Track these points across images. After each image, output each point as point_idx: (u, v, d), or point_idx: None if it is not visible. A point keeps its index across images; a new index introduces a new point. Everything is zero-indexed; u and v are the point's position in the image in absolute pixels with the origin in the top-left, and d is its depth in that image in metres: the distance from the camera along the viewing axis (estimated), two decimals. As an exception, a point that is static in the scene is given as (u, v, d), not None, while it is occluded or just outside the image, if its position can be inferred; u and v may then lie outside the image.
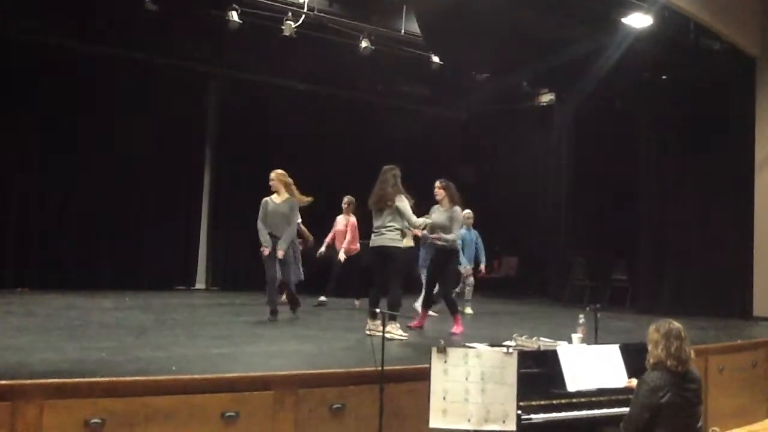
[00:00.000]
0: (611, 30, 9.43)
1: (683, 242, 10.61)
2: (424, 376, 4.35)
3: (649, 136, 11.35)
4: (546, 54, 10.17)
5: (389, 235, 6.74)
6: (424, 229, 7.33)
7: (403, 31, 11.05)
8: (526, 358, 4.44)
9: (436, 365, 4.24)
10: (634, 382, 4.28)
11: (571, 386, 4.52)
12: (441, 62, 11.64)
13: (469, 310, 9.48)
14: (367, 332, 6.58)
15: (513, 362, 4.17)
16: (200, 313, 8.13)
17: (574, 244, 12.36)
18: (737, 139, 10.10)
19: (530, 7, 9.22)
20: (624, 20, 9.18)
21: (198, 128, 12.07)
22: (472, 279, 9.61)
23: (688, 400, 3.94)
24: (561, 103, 13.38)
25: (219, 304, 9.31)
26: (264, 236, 7.52)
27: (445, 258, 7.36)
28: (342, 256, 9.51)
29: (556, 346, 4.86)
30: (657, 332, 4.03)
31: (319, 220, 9.97)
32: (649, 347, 4.04)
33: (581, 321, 5.28)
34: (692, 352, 4.03)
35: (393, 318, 6.55)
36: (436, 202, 7.39)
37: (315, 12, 10.30)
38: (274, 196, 7.68)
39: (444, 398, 4.19)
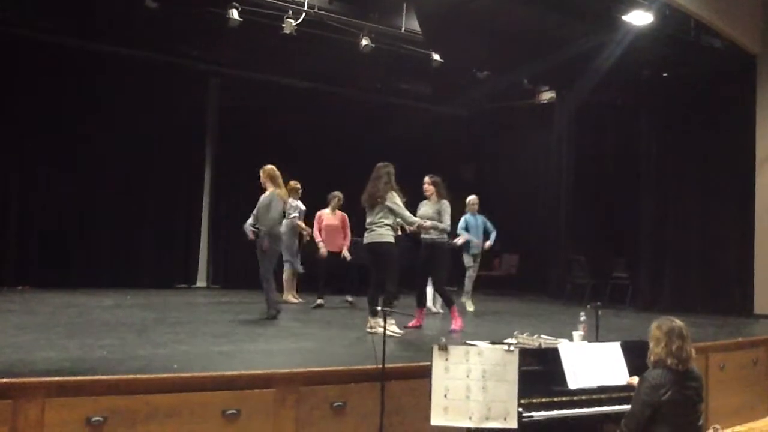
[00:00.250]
0: (612, 27, 9.43)
1: (684, 240, 10.62)
2: (426, 373, 4.36)
3: (649, 134, 11.35)
4: (547, 52, 10.15)
5: (379, 231, 6.76)
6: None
7: (403, 28, 11.03)
8: (527, 355, 4.44)
9: (438, 363, 4.24)
10: (635, 379, 4.29)
11: (573, 384, 4.52)
12: (441, 60, 11.61)
13: (470, 307, 9.45)
14: (369, 330, 6.60)
15: (514, 360, 4.17)
16: (201, 311, 8.14)
17: (575, 242, 12.35)
18: (738, 136, 10.10)
19: (531, 4, 9.21)
20: (624, 18, 9.17)
21: (198, 126, 12.06)
22: (471, 270, 9.55)
23: (689, 398, 3.94)
24: (562, 101, 13.37)
25: (220, 303, 9.32)
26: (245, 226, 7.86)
27: (433, 251, 7.33)
28: (347, 254, 9.48)
29: (557, 343, 4.86)
30: (659, 330, 4.03)
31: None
32: (651, 345, 4.05)
33: (582, 319, 5.28)
34: (693, 351, 4.03)
35: (375, 313, 6.62)
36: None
37: (315, 10, 10.28)
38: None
39: (445, 396, 4.19)
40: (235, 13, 9.91)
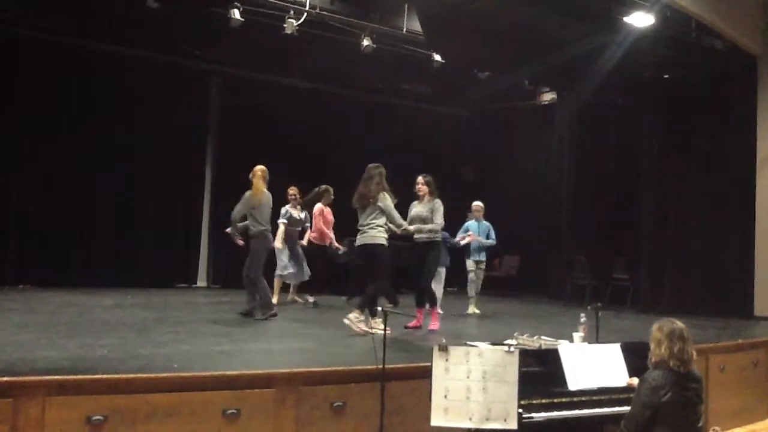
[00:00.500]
0: (613, 29, 9.42)
1: (684, 241, 10.62)
2: (426, 374, 4.36)
3: (650, 135, 11.35)
4: (548, 53, 10.15)
5: (371, 233, 6.76)
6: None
7: (404, 29, 11.04)
8: (527, 356, 4.44)
9: (438, 363, 4.25)
10: (635, 380, 4.28)
11: (573, 385, 4.52)
12: (443, 61, 11.63)
13: (472, 310, 9.44)
14: (370, 330, 6.60)
15: (514, 361, 4.17)
16: (201, 311, 8.14)
17: (575, 243, 12.35)
18: (739, 138, 10.10)
19: (532, 5, 9.21)
20: (626, 19, 9.18)
21: (199, 126, 12.06)
22: (472, 274, 9.52)
23: (689, 399, 3.94)
24: (562, 102, 13.37)
25: (220, 302, 9.32)
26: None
27: (426, 251, 7.27)
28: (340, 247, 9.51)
29: (557, 344, 4.86)
30: (660, 332, 4.03)
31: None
32: (652, 346, 4.05)
33: (582, 320, 5.29)
34: (694, 353, 4.03)
35: (375, 313, 6.66)
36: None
37: (317, 10, 10.30)
38: None
39: (445, 396, 4.20)
40: (236, 13, 9.93)
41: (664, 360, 3.94)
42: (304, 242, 9.56)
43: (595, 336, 5.35)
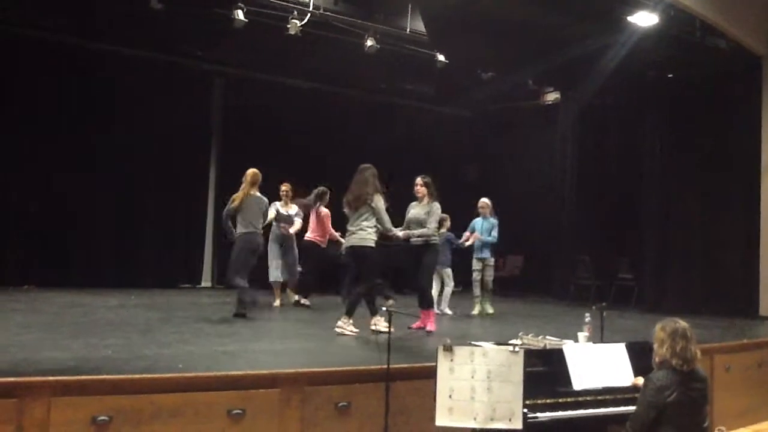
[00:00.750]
0: (617, 28, 9.41)
1: (688, 241, 10.60)
2: (430, 374, 4.35)
3: (653, 135, 11.33)
4: (551, 52, 10.15)
5: (360, 235, 6.72)
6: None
7: (408, 29, 11.04)
8: (532, 356, 4.41)
9: (442, 363, 4.24)
10: (640, 380, 4.28)
11: (577, 385, 4.50)
12: (446, 61, 11.63)
13: (477, 310, 9.42)
14: (372, 328, 6.62)
15: (519, 361, 4.16)
16: (206, 311, 8.15)
17: (579, 243, 12.34)
18: (743, 137, 10.08)
19: (536, 5, 9.20)
20: (630, 19, 9.16)
21: (203, 127, 12.08)
22: (476, 274, 9.49)
23: (694, 399, 3.93)
24: (566, 101, 13.36)
25: (224, 303, 9.29)
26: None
27: (422, 253, 7.23)
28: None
29: (562, 344, 4.85)
30: (663, 331, 4.02)
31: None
32: (655, 346, 4.04)
33: (587, 320, 5.28)
34: (698, 352, 4.02)
35: (375, 312, 6.72)
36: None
37: (320, 11, 10.30)
38: None
39: (450, 396, 4.19)
40: (240, 14, 9.92)
41: (667, 360, 3.94)
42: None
43: (600, 336, 5.34)
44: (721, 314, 9.35)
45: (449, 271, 9.27)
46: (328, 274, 9.79)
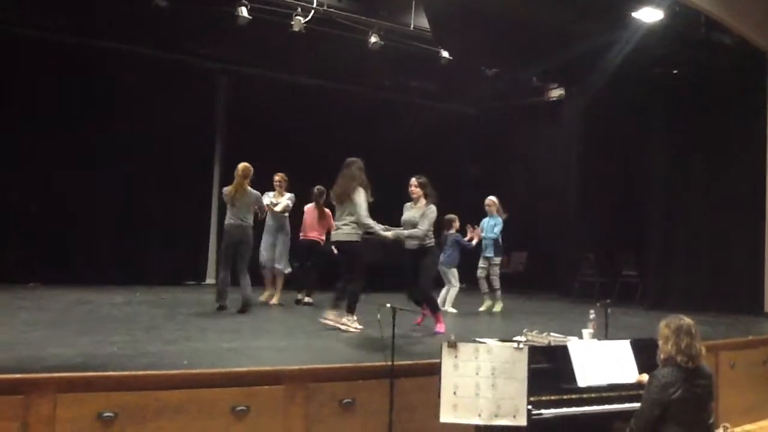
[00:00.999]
0: (621, 24, 9.38)
1: (693, 237, 10.56)
2: (435, 371, 4.35)
3: (658, 131, 11.29)
4: (555, 49, 10.12)
5: (345, 230, 6.72)
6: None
7: (412, 26, 11.03)
8: (536, 353, 4.43)
9: (447, 360, 4.24)
10: (645, 377, 4.27)
11: (582, 381, 4.51)
12: (450, 57, 11.61)
13: (484, 307, 9.41)
14: (323, 320, 6.75)
15: (523, 357, 4.16)
16: (210, 308, 8.16)
17: (583, 240, 12.31)
18: (748, 133, 10.03)
19: (540, 1, 9.18)
20: (634, 14, 9.14)
21: (207, 124, 12.10)
22: (480, 271, 9.46)
23: (699, 396, 3.93)
24: (570, 98, 13.33)
25: (229, 300, 9.32)
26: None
27: (419, 258, 6.95)
28: None
29: (566, 341, 4.85)
30: (667, 328, 4.02)
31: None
32: (660, 343, 4.04)
33: (592, 316, 5.26)
34: (703, 349, 4.02)
35: (350, 311, 6.69)
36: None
37: (324, 7, 10.29)
38: None
39: (454, 393, 4.19)
40: (244, 11, 9.93)
41: (671, 356, 3.93)
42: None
43: (605, 333, 5.33)
44: (726, 311, 9.33)
45: (455, 271, 9.23)
46: (330, 272, 9.78)
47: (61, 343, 5.31)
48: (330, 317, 6.76)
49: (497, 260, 9.49)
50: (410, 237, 6.89)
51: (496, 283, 9.45)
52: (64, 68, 10.62)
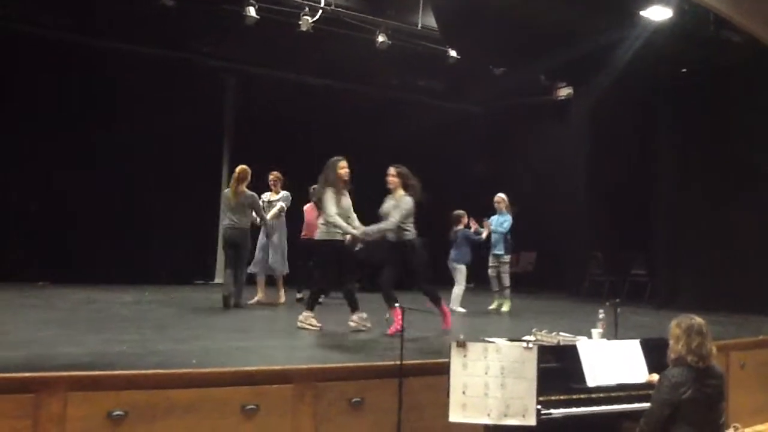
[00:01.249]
0: (630, 23, 9.34)
1: (702, 236, 10.51)
2: (443, 370, 4.35)
3: (667, 130, 11.25)
4: (564, 47, 10.08)
5: (321, 229, 6.72)
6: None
7: (419, 25, 11.03)
8: (545, 352, 4.40)
9: (456, 360, 4.24)
10: (655, 377, 4.25)
11: (591, 381, 4.49)
12: (458, 56, 11.60)
13: (494, 305, 9.40)
14: (299, 323, 6.71)
15: (533, 357, 4.15)
16: (219, 307, 8.19)
17: (592, 239, 12.28)
18: (757, 132, 9.97)
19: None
20: (643, 13, 9.09)
21: (215, 124, 12.14)
22: (491, 270, 9.46)
23: (710, 396, 3.91)
24: (579, 97, 13.29)
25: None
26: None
27: (398, 251, 6.69)
28: None
29: (575, 341, 4.84)
30: (678, 328, 4.00)
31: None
32: (671, 343, 4.02)
33: (601, 316, 5.24)
34: (714, 348, 4.00)
35: (310, 308, 6.74)
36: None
37: (332, 7, 10.31)
38: None
39: (463, 393, 4.19)
40: (251, 11, 9.95)
41: (682, 356, 3.91)
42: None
43: (614, 332, 5.31)
44: (736, 310, 9.28)
45: (464, 269, 9.19)
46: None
47: (70, 342, 5.33)
48: (305, 320, 6.70)
49: (507, 258, 9.47)
50: (380, 231, 6.67)
51: (506, 281, 9.43)
52: (73, 67, 10.64)
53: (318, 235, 6.77)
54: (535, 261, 13.50)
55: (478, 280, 10.05)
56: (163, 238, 11.39)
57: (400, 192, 6.74)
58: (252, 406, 4.25)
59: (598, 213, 12.38)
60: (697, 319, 4.01)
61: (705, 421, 3.88)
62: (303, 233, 9.36)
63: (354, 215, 6.82)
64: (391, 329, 6.32)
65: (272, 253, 9.09)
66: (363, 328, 6.65)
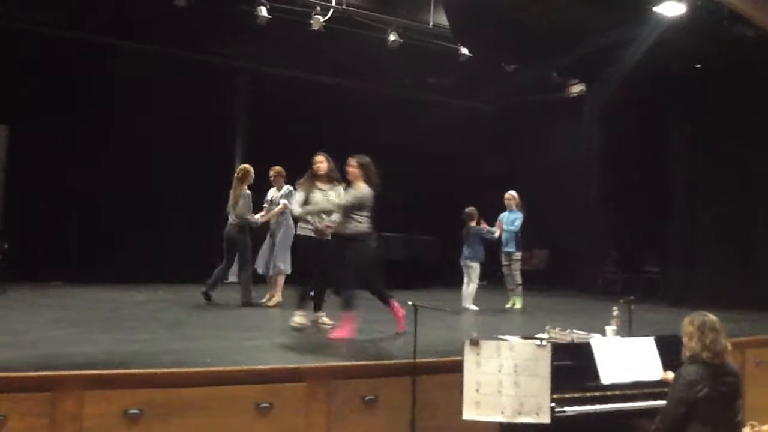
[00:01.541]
0: (643, 19, 9.29)
1: (716, 233, 10.46)
2: (457, 368, 4.35)
3: (681, 127, 11.19)
4: (576, 44, 10.05)
5: (300, 224, 6.94)
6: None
7: (431, 23, 11.02)
8: (559, 350, 4.39)
9: (469, 357, 4.24)
10: (670, 375, 4.24)
11: (605, 379, 4.47)
12: (469, 54, 11.58)
13: (510, 303, 9.41)
14: (292, 323, 6.61)
15: (546, 355, 4.15)
16: (232, 306, 8.22)
17: (605, 236, 12.24)
18: (772, 128, 9.92)
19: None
20: (656, 9, 9.04)
21: (227, 123, 12.16)
22: (504, 268, 9.46)
23: (726, 394, 3.88)
24: (591, 94, 13.24)
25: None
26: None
27: (345, 247, 6.24)
28: None
29: (589, 338, 4.82)
30: (691, 325, 3.98)
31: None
32: (685, 340, 4.00)
33: (615, 313, 5.22)
34: (729, 344, 3.97)
35: (318, 308, 6.87)
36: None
37: (343, 6, 10.32)
38: None
39: (477, 390, 4.19)
40: (263, 10, 9.98)
41: (697, 353, 3.89)
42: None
43: (628, 329, 5.29)
44: (751, 307, 9.22)
45: (478, 267, 9.16)
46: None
47: (85, 340, 5.37)
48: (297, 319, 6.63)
49: (518, 255, 9.46)
50: (322, 211, 6.54)
51: (518, 278, 9.43)
52: (85, 67, 10.68)
53: (298, 230, 7.01)
54: (548, 258, 13.47)
55: (490, 278, 10.02)
56: (175, 238, 11.44)
57: (361, 184, 6.37)
58: (266, 404, 4.27)
59: (610, 210, 12.34)
60: (710, 316, 3.99)
61: (721, 419, 3.86)
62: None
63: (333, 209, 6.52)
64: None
65: (276, 251, 9.06)
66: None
